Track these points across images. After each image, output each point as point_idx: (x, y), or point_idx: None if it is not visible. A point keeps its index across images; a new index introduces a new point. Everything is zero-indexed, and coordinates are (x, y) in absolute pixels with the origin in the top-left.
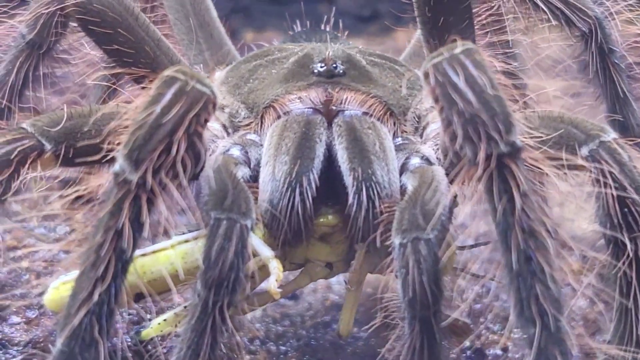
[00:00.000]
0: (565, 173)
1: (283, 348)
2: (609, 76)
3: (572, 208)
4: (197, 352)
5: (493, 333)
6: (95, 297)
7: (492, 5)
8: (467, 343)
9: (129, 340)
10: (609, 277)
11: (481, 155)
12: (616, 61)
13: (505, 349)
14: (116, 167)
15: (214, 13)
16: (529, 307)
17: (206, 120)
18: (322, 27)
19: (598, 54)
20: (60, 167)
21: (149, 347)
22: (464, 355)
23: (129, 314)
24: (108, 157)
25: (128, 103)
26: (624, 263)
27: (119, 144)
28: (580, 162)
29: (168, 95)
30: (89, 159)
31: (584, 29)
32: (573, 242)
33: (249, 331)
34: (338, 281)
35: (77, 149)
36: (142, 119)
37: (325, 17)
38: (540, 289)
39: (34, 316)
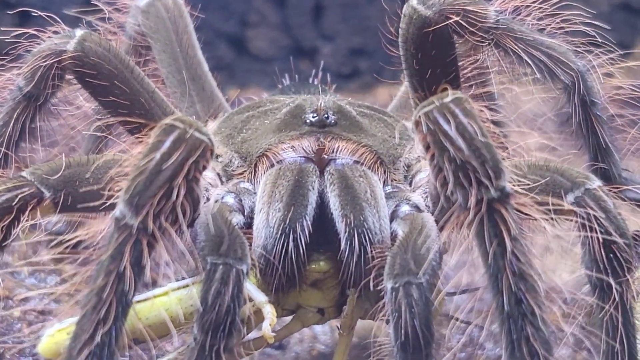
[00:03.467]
0: (552, 218)
1: None
2: (591, 127)
3: (553, 259)
4: None
5: None
6: (97, 339)
7: (477, 58)
8: None
9: None
10: (594, 322)
11: (472, 200)
12: (598, 113)
13: None
14: (117, 212)
15: (205, 67)
16: (520, 349)
17: (204, 167)
18: (310, 81)
19: (580, 105)
20: (60, 213)
21: None
22: None
23: None
24: (107, 204)
25: (123, 152)
26: (610, 306)
27: (119, 190)
28: (566, 207)
29: (168, 143)
30: (90, 204)
31: (566, 81)
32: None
33: None
34: (323, 331)
35: (76, 196)
36: (143, 166)
37: (314, 71)
38: (530, 331)
39: None
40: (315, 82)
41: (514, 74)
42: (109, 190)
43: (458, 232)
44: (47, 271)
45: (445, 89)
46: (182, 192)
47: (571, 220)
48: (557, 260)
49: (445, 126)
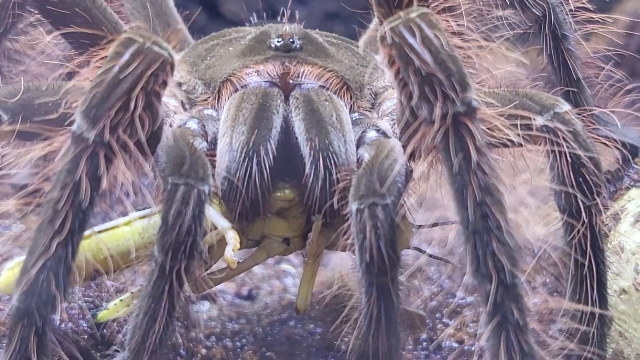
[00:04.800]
0: (519, 135)
1: (239, 343)
2: (562, 60)
3: (525, 215)
4: (154, 317)
5: (448, 327)
6: (52, 250)
7: None
8: (423, 335)
9: (85, 325)
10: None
11: (437, 113)
12: (569, 47)
13: (460, 342)
14: (74, 126)
15: (171, 3)
16: (485, 263)
17: (164, 82)
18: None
19: (552, 38)
20: (17, 139)
21: (105, 331)
22: (420, 346)
23: (85, 302)
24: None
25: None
26: (579, 230)
27: (76, 106)
28: (535, 129)
29: (126, 55)
30: (48, 117)
31: (537, 13)
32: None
33: (205, 328)
34: (294, 283)
35: (33, 112)
36: (99, 77)
37: (282, 9)
38: (496, 245)
39: None
40: (284, 21)
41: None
42: (66, 105)
43: (424, 147)
44: (12, 219)
45: (411, 3)
46: (140, 104)
47: (539, 145)
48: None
49: (411, 39)
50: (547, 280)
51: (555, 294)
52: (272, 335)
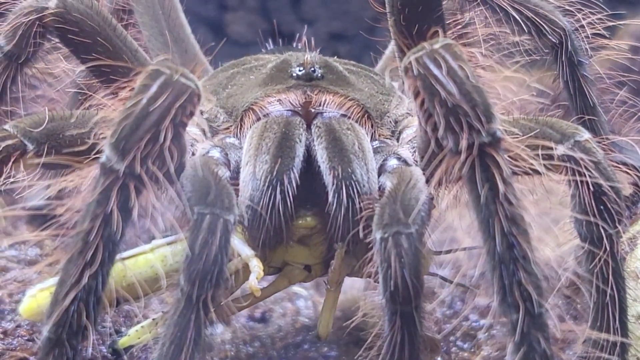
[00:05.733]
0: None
1: None
2: (578, 87)
3: (537, 234)
4: (181, 346)
5: (463, 350)
6: (84, 282)
7: (462, 19)
8: (438, 359)
9: (105, 350)
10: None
11: (463, 144)
12: (585, 73)
13: None
14: (103, 157)
15: (188, 29)
16: (512, 293)
17: (191, 113)
18: (294, 45)
19: (568, 65)
20: (43, 168)
21: (126, 358)
22: None
23: (103, 327)
24: (92, 155)
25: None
26: (601, 257)
27: (104, 136)
28: (557, 158)
29: (154, 87)
30: (75, 149)
31: (554, 40)
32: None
33: (218, 352)
34: (306, 305)
35: (60, 144)
36: (129, 109)
37: (297, 34)
38: (523, 275)
39: (10, 327)
40: (299, 46)
41: (500, 36)
42: (94, 137)
43: (448, 177)
44: (28, 243)
45: (436, 34)
46: (170, 136)
47: (560, 173)
48: (540, 237)
49: (436, 71)
50: (560, 302)
51: (568, 316)
52: (287, 358)
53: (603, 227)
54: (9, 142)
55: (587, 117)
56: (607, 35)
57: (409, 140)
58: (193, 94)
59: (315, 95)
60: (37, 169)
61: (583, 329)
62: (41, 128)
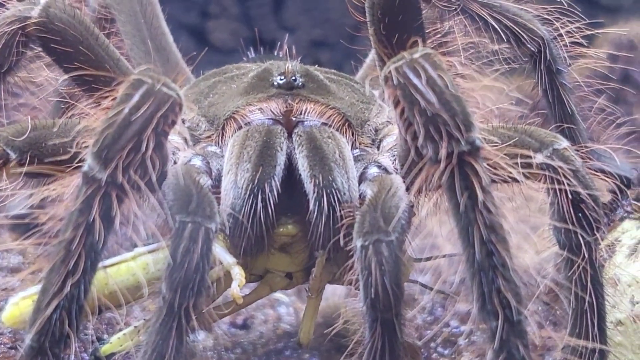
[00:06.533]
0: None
1: None
2: (557, 95)
3: (516, 241)
4: (162, 354)
5: (443, 357)
6: (66, 290)
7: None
8: None
9: (87, 358)
10: (562, 284)
11: (443, 153)
12: (563, 81)
13: None
14: (85, 166)
15: (170, 38)
16: (491, 300)
17: (173, 122)
18: (275, 53)
19: (546, 73)
20: (25, 177)
21: None
22: None
23: (85, 334)
24: (74, 164)
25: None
26: (579, 264)
27: (86, 145)
28: (535, 166)
29: (136, 97)
30: (57, 158)
31: (532, 48)
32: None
33: (201, 358)
34: (288, 312)
35: (43, 153)
36: (111, 119)
37: (278, 43)
38: (502, 282)
39: None
40: (281, 54)
41: (479, 44)
42: (76, 146)
43: (428, 185)
44: (10, 252)
45: (416, 43)
46: (151, 145)
47: (539, 181)
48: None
49: (415, 80)
50: (539, 308)
51: (547, 323)
52: None
53: (581, 235)
54: None
55: (565, 125)
56: (586, 44)
57: (390, 149)
58: (175, 103)
59: (297, 104)
60: (19, 177)
61: (562, 336)
62: (24, 137)
